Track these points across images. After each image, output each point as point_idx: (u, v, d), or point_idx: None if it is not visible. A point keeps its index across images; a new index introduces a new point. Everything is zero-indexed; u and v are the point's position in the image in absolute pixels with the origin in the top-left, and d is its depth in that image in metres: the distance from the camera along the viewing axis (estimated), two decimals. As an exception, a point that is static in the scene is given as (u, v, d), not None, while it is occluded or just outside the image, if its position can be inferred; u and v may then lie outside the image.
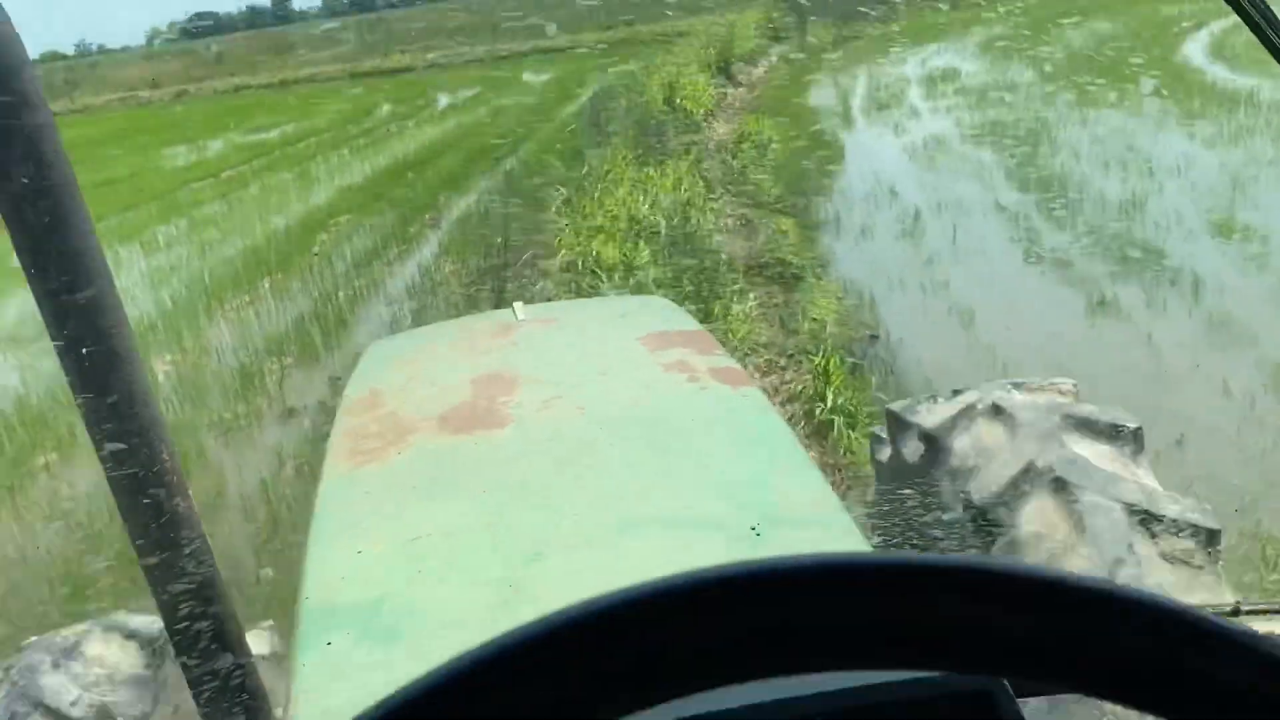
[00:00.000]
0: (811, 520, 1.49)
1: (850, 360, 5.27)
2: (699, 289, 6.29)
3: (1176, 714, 0.31)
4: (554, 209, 9.17)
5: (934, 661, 0.32)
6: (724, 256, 7.25)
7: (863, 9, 20.60)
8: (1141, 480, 2.66)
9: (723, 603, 0.30)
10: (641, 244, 7.26)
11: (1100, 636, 0.30)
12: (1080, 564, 2.42)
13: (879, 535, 2.90)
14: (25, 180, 1.05)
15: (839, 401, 4.70)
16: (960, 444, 2.88)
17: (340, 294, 8.00)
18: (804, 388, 5.04)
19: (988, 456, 2.80)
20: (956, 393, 3.07)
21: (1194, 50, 14.00)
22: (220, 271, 9.27)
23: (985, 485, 2.75)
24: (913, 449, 3.08)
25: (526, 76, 21.84)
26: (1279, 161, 8.53)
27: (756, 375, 5.16)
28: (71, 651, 2.31)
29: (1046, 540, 2.55)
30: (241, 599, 2.48)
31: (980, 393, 3.00)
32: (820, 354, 5.15)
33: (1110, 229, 7.25)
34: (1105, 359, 5.12)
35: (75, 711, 2.18)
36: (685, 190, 8.93)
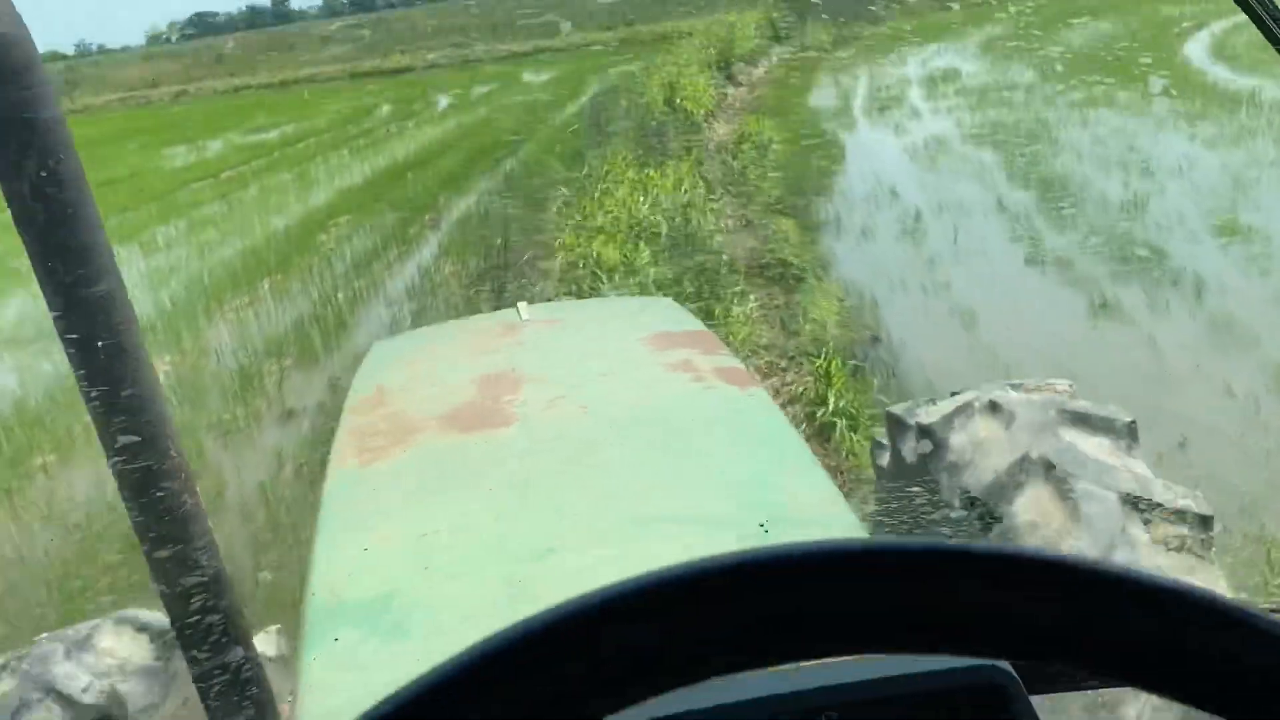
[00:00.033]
0: (818, 519, 1.49)
1: (852, 362, 5.25)
2: (699, 290, 6.27)
3: (1191, 697, 0.31)
4: (554, 210, 9.16)
5: (947, 646, 0.32)
6: (725, 258, 7.24)
7: (872, 8, 20.58)
8: (1135, 470, 2.70)
9: (736, 589, 0.31)
10: (642, 245, 7.24)
11: (1112, 619, 0.30)
12: (1074, 549, 2.44)
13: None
14: (44, 174, 1.05)
15: (841, 404, 4.68)
16: (958, 440, 2.94)
17: (340, 295, 7.99)
18: (805, 390, 5.02)
19: (984, 451, 2.86)
20: (955, 394, 3.12)
21: (1195, 51, 13.99)
22: (219, 272, 9.25)
23: (981, 476, 2.81)
24: (911, 449, 3.13)
25: (526, 77, 21.83)
26: (1281, 162, 8.52)
27: (757, 377, 5.14)
28: (83, 643, 2.36)
29: (1041, 528, 2.61)
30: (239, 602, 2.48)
31: (978, 392, 3.06)
32: (822, 356, 5.13)
33: (1111, 230, 7.23)
34: (1107, 360, 5.10)
35: (86, 698, 2.23)
36: (686, 191, 8.91)
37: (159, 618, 2.38)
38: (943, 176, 9.47)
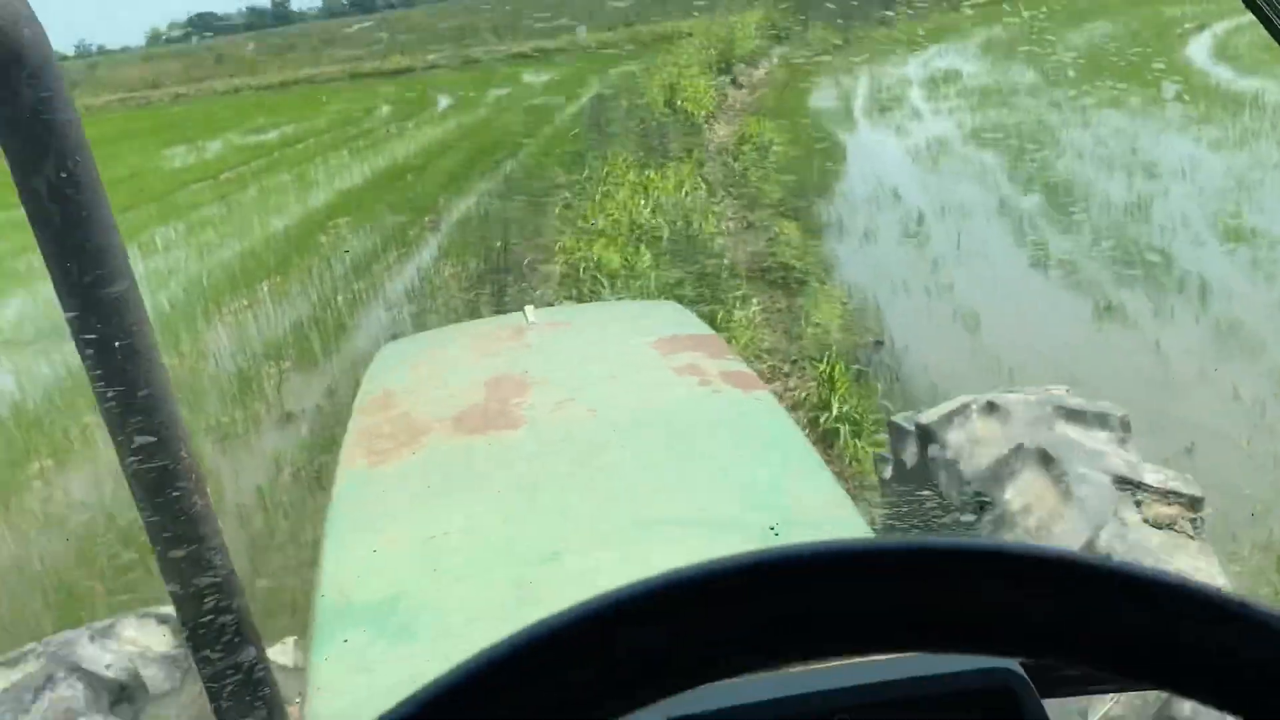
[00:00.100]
0: (826, 522, 1.50)
1: (855, 367, 5.21)
2: (701, 294, 6.24)
3: (1191, 691, 0.31)
4: (554, 212, 9.13)
5: (957, 644, 0.32)
6: (726, 261, 7.20)
7: (886, 12, 20.55)
8: (1127, 458, 2.80)
9: (747, 589, 0.31)
10: (643, 248, 7.21)
11: (1109, 613, 0.31)
12: (1066, 529, 2.58)
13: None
14: (62, 175, 1.06)
15: (844, 409, 4.64)
16: (955, 437, 3.07)
17: (339, 297, 7.96)
18: (808, 395, 4.99)
19: (982, 444, 3.00)
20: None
21: (1198, 52, 13.96)
22: (218, 274, 9.22)
23: (977, 465, 2.94)
24: (912, 453, 3.29)
25: (526, 77, 21.81)
26: (1284, 164, 8.49)
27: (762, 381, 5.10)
28: (107, 631, 2.53)
29: (1035, 510, 2.71)
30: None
31: (977, 394, 3.21)
32: (824, 360, 5.09)
33: (1115, 232, 7.20)
34: (1112, 365, 5.07)
35: (108, 674, 2.39)
36: (687, 193, 8.88)
37: None
38: (943, 177, 9.45)
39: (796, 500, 1.57)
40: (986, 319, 5.90)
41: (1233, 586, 2.65)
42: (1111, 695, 2.05)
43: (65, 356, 6.24)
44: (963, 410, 3.12)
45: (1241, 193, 7.76)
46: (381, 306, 7.81)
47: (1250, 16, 0.79)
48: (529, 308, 2.56)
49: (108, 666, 2.39)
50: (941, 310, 6.19)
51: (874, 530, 1.54)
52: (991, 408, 3.07)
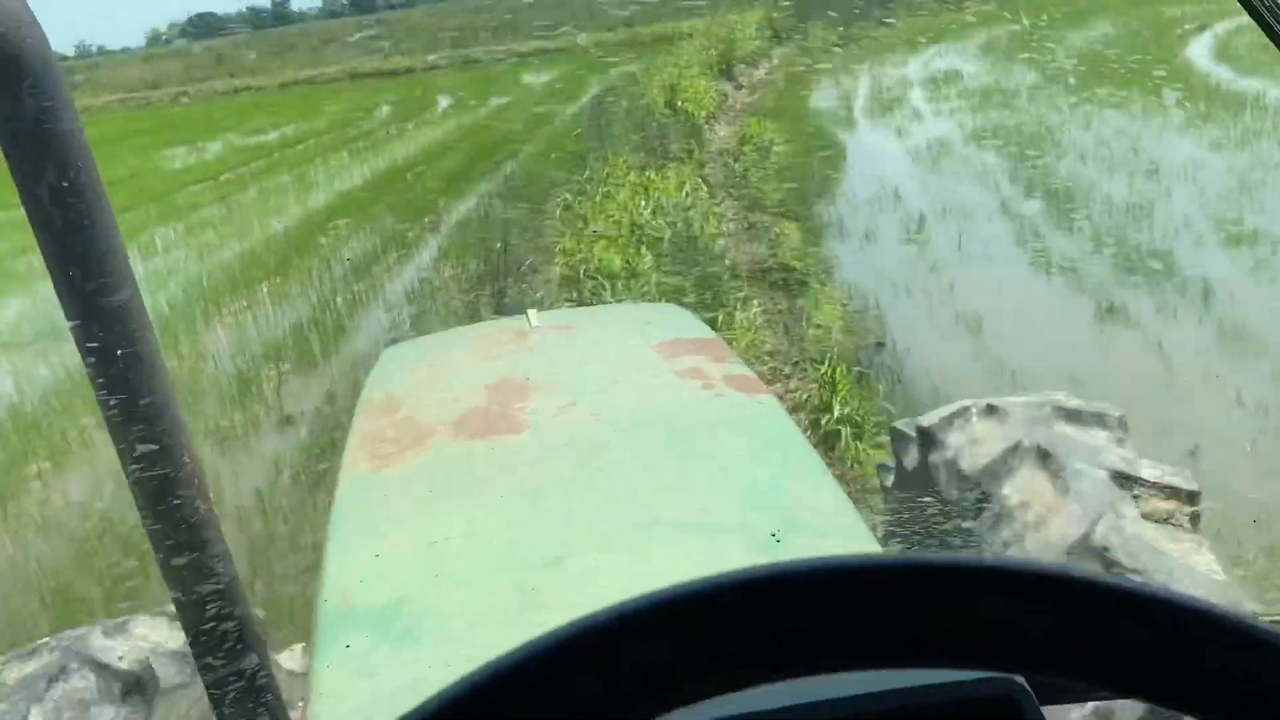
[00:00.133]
0: (828, 527, 1.50)
1: (856, 369, 5.19)
2: (702, 296, 6.22)
3: (1188, 706, 0.31)
4: (555, 213, 9.11)
5: (957, 659, 0.32)
6: (727, 262, 7.18)
7: (886, 16, 20.51)
8: (1124, 455, 2.84)
9: (749, 604, 0.31)
10: (644, 250, 7.19)
11: (1107, 630, 0.31)
12: (1062, 523, 2.62)
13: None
14: (64, 184, 1.06)
15: (846, 411, 4.62)
16: (956, 439, 3.12)
17: (338, 299, 7.94)
18: (809, 397, 4.97)
19: (981, 444, 3.06)
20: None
21: (1198, 52, 13.95)
22: (218, 275, 9.21)
23: (976, 463, 2.99)
24: (913, 457, 3.32)
25: (526, 78, 21.80)
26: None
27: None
28: (121, 627, 2.60)
29: (1033, 505, 2.75)
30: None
31: (977, 399, 3.27)
32: (826, 363, 5.07)
33: (1117, 234, 7.18)
34: (1115, 367, 5.06)
35: (121, 665, 2.44)
36: (687, 194, 8.86)
37: None
38: (944, 178, 9.43)
39: (799, 504, 1.57)
40: (988, 321, 5.88)
41: (1237, 590, 2.63)
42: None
43: (64, 358, 6.23)
44: (963, 413, 3.15)
45: (1243, 192, 7.74)
46: (381, 308, 7.79)
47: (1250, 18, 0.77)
48: (531, 311, 2.55)
49: (120, 659, 2.44)
50: (943, 312, 6.17)
51: (875, 535, 1.53)
52: (991, 410, 3.10)
